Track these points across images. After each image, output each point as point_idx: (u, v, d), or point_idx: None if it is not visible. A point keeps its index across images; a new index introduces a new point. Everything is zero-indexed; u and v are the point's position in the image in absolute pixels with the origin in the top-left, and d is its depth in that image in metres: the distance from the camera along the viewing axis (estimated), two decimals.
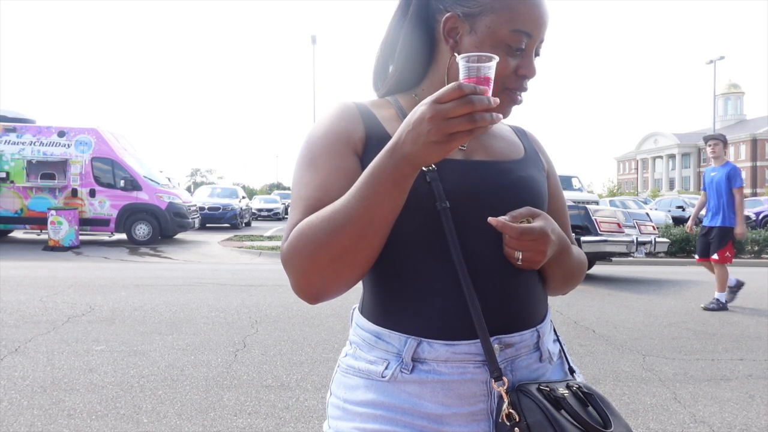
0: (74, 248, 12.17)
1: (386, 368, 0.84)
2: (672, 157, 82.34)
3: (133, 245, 13.21)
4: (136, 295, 6.34)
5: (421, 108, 0.68)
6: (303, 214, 0.81)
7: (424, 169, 0.83)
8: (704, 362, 4.21)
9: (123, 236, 13.94)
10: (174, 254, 11.78)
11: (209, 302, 6.05)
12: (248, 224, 22.08)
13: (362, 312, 0.92)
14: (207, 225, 18.78)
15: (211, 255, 11.87)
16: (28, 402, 3.13)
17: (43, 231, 12.79)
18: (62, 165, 13.37)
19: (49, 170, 13.34)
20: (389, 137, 0.85)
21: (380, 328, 0.86)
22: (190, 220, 14.39)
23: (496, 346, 0.83)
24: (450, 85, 0.66)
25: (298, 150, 0.90)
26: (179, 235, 15.40)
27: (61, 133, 13.54)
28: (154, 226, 13.55)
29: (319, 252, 0.75)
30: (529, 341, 0.87)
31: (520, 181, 0.91)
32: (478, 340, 0.82)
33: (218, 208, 19.57)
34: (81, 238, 12.87)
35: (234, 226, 19.81)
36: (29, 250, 11.72)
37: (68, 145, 13.50)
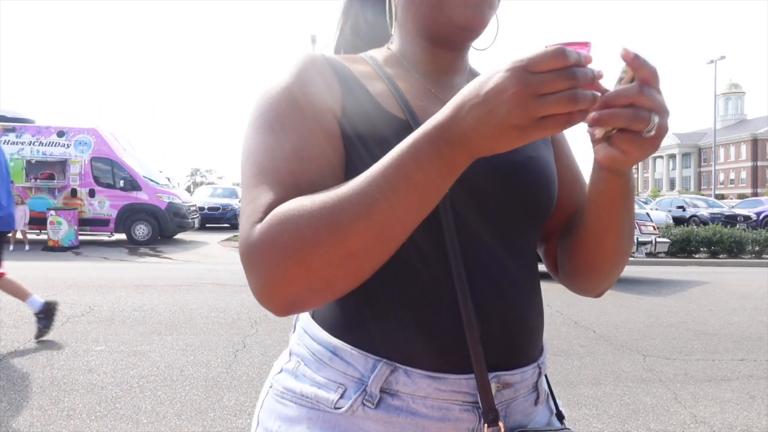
0: (73, 248, 12.15)
1: (342, 397, 0.64)
2: (672, 157, 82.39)
3: (132, 245, 13.19)
4: (136, 296, 6.33)
5: (499, 74, 0.47)
6: (276, 192, 0.58)
7: None
8: (705, 363, 4.21)
9: (122, 236, 13.92)
10: (174, 254, 11.76)
11: (209, 302, 6.04)
12: None
13: (314, 317, 0.71)
14: (207, 225, 18.78)
15: (211, 255, 11.86)
16: (27, 402, 3.13)
17: (42, 231, 12.77)
18: (61, 165, 13.36)
19: (48, 170, 13.33)
20: (370, 96, 0.67)
21: (340, 342, 0.66)
22: (190, 220, 14.37)
23: (493, 384, 0.64)
24: (549, 50, 0.46)
25: (249, 111, 0.66)
26: (179, 235, 15.39)
27: (61, 133, 13.52)
28: (154, 227, 13.53)
29: (313, 252, 0.53)
30: (529, 380, 0.70)
31: (530, 161, 0.72)
32: (472, 375, 0.63)
33: (218, 208, 19.56)
34: (80, 238, 12.85)
35: (234, 226, 19.79)
36: (29, 250, 11.70)
37: (67, 145, 13.48)
